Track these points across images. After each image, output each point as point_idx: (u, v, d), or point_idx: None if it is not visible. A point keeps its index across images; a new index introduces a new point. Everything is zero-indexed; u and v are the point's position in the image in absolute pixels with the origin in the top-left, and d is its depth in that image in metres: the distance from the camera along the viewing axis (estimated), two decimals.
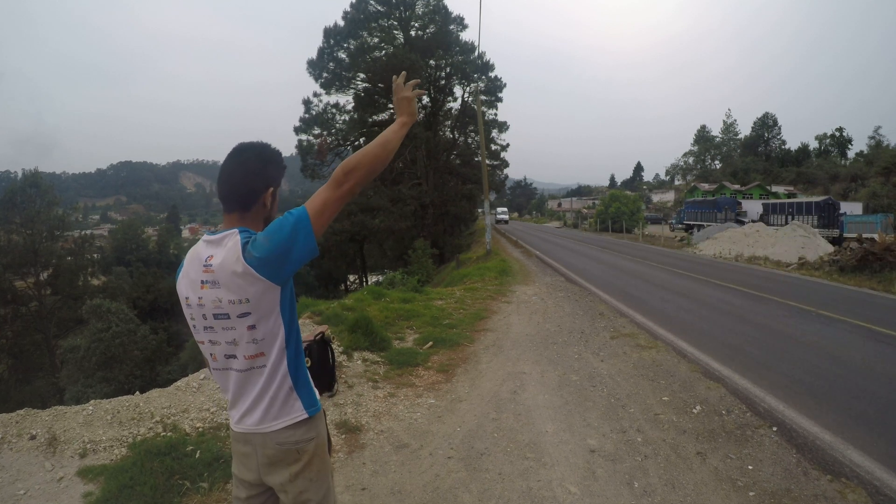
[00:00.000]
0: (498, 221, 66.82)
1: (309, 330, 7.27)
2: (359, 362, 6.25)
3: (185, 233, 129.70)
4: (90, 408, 4.46)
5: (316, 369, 5.09)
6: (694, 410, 4.86)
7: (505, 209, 76.90)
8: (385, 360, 6.48)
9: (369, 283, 36.37)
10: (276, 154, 1.84)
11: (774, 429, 4.46)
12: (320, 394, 5.11)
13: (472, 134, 37.18)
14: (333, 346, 5.62)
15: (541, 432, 4.43)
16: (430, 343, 7.28)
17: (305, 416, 1.78)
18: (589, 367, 6.21)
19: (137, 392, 5.22)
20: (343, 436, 4.44)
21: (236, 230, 1.71)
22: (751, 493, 3.46)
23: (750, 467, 3.81)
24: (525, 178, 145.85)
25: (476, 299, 10.80)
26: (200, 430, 4.32)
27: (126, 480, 3.49)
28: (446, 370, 6.21)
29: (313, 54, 32.43)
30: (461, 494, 3.51)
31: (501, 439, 4.32)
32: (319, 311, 8.49)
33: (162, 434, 4.18)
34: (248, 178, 1.75)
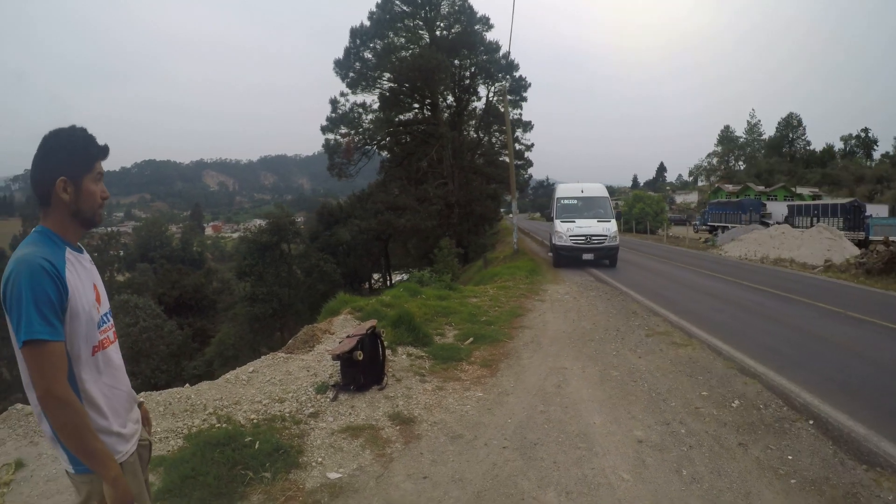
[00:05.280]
0: (571, 246, 16.16)
1: (351, 325, 7.58)
2: (403, 357, 6.47)
3: (209, 230, 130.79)
4: (140, 399, 4.74)
5: (367, 362, 5.39)
6: (733, 405, 5.10)
7: (603, 190, 18.51)
8: (429, 354, 6.69)
9: (393, 281, 36.74)
10: (64, 139, 1.65)
11: (811, 422, 4.69)
12: (371, 386, 5.41)
13: (497, 133, 37.36)
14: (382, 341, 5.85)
15: (589, 424, 4.68)
16: (471, 339, 7.54)
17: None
18: (627, 363, 6.45)
19: (187, 385, 5.38)
20: (398, 427, 4.63)
21: (35, 230, 1.67)
22: (792, 481, 3.71)
23: (790, 457, 4.05)
24: (548, 178, 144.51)
25: (510, 297, 11.02)
26: (255, 421, 4.45)
27: (188, 471, 3.55)
28: (489, 365, 6.43)
29: (336, 56, 32.99)
30: (520, 481, 3.74)
31: (552, 430, 4.57)
32: (360, 308, 8.75)
33: (217, 425, 4.27)
34: (34, 171, 1.64)
